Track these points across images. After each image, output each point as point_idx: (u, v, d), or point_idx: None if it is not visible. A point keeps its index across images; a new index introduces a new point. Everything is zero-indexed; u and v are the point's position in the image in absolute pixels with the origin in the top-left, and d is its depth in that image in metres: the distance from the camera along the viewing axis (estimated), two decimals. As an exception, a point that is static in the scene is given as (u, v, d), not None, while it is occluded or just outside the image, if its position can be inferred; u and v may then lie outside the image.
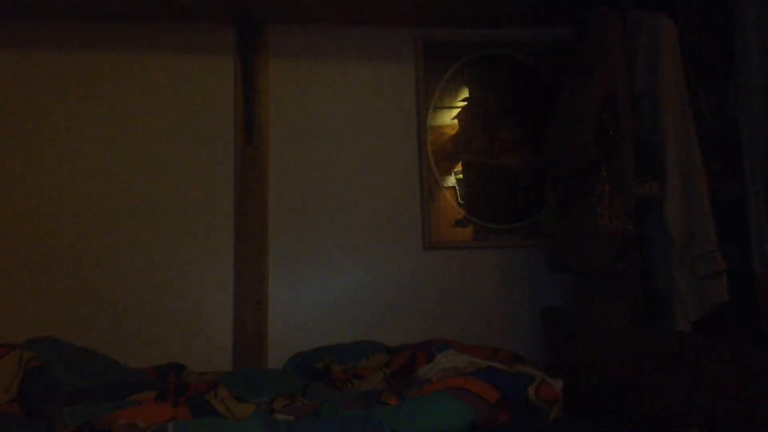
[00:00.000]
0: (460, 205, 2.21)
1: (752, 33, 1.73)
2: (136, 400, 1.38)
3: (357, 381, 1.66)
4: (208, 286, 2.07)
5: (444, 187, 2.21)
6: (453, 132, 2.25)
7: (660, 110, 1.72)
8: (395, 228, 2.17)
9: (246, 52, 2.15)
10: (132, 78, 2.15)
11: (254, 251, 2.08)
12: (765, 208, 1.68)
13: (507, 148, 2.26)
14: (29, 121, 2.09)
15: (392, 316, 2.11)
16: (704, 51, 1.84)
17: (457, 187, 2.22)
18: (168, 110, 2.15)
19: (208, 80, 2.18)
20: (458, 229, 2.20)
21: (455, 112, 2.27)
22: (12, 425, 1.19)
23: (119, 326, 2.00)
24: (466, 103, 2.28)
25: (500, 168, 2.25)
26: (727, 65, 1.81)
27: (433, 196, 2.20)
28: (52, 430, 1.13)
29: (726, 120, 1.81)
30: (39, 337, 1.72)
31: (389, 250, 2.16)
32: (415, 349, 1.79)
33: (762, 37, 1.71)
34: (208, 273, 2.08)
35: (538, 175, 2.21)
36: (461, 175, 2.23)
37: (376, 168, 2.21)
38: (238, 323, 2.04)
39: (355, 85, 2.25)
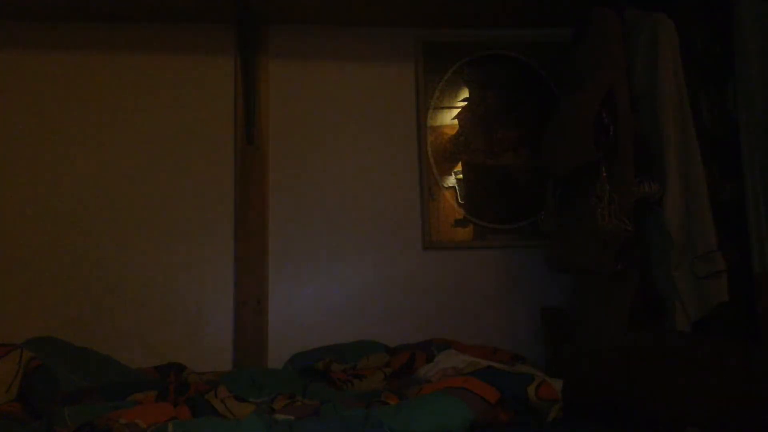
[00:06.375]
0: (460, 205, 2.21)
1: (752, 33, 1.73)
2: (136, 400, 1.38)
3: (357, 381, 1.66)
4: (208, 286, 2.07)
5: (444, 187, 2.21)
6: (453, 132, 2.25)
7: (659, 110, 1.71)
8: (395, 228, 2.17)
9: (246, 52, 2.15)
10: (132, 78, 2.15)
11: (254, 251, 2.08)
12: (765, 208, 1.68)
13: (507, 148, 2.26)
14: (29, 121, 2.09)
15: (392, 316, 2.11)
16: (704, 51, 1.84)
17: (457, 187, 2.22)
18: (168, 110, 2.15)
19: (208, 80, 2.18)
20: (458, 229, 2.20)
21: (455, 112, 2.27)
22: (12, 425, 1.19)
23: (119, 326, 2.00)
24: (466, 103, 2.28)
25: (500, 168, 2.25)
26: (727, 65, 1.81)
27: (433, 196, 2.20)
28: (52, 430, 1.13)
29: (726, 120, 1.81)
30: (39, 337, 1.72)
31: (389, 250, 2.16)
32: (415, 349, 1.79)
33: (762, 37, 1.71)
34: (208, 273, 2.08)
35: (538, 175, 2.21)
36: (461, 175, 2.23)
37: (376, 168, 2.21)
38: (238, 323, 2.04)
39: (355, 85, 2.25)
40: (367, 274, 2.14)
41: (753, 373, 1.03)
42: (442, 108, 2.26)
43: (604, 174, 1.70)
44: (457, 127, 2.26)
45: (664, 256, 1.71)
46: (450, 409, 1.11)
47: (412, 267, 2.16)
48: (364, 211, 2.17)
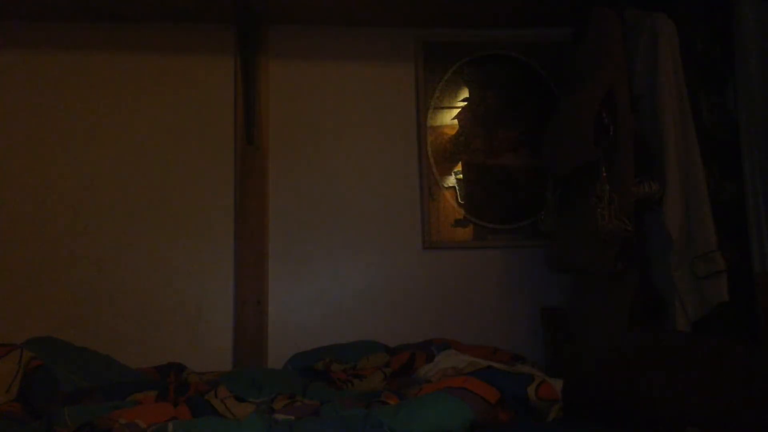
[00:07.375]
0: (460, 205, 2.21)
1: (752, 33, 1.73)
2: (136, 400, 1.38)
3: (357, 381, 1.66)
4: (208, 286, 2.07)
5: (444, 187, 2.21)
6: (453, 132, 2.25)
7: (659, 110, 1.72)
8: (395, 228, 2.18)
9: (246, 52, 2.15)
10: (132, 78, 2.15)
11: (254, 251, 2.08)
12: (765, 208, 1.68)
13: (507, 148, 2.26)
14: (29, 121, 2.09)
15: (392, 316, 2.11)
16: (704, 51, 1.84)
17: (457, 187, 2.22)
18: (168, 110, 2.15)
19: (208, 80, 2.18)
20: (458, 229, 2.20)
21: (455, 112, 2.27)
22: (12, 425, 1.19)
23: (119, 326, 2.00)
24: (465, 103, 2.28)
25: (500, 168, 2.25)
26: (727, 65, 1.81)
27: (433, 196, 2.20)
28: (52, 430, 1.13)
29: (726, 120, 1.81)
30: (39, 337, 1.72)
31: (389, 250, 2.16)
32: (415, 349, 1.79)
33: (762, 37, 1.71)
34: (208, 273, 2.08)
35: (538, 175, 2.21)
36: (461, 175, 2.23)
37: (376, 168, 2.21)
38: (238, 323, 2.04)
39: (355, 85, 2.25)
40: (367, 274, 2.14)
41: (753, 373, 1.03)
42: (442, 108, 2.26)
43: (604, 174, 1.70)
44: (457, 127, 2.26)
45: (664, 256, 1.71)
46: (450, 409, 1.11)
47: (412, 267, 2.16)
48: (364, 211, 2.17)
